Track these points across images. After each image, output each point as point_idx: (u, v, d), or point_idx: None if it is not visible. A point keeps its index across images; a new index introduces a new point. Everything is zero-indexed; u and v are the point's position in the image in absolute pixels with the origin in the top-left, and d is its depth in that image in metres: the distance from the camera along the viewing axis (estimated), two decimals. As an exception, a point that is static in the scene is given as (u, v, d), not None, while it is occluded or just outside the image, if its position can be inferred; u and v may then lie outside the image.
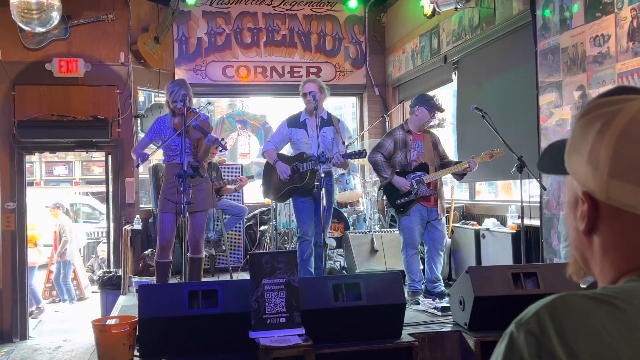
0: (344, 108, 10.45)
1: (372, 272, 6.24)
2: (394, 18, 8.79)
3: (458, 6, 5.99)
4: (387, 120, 8.48)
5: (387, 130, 8.73)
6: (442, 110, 5.55)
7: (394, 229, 7.07)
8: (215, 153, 7.68)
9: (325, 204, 5.15)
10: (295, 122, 5.67)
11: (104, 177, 8.92)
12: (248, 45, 8.73)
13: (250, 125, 9.28)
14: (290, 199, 5.78)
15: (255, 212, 8.33)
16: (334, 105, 10.33)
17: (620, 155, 0.77)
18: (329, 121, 5.63)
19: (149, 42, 7.88)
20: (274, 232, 7.43)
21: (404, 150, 5.40)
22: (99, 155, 11.23)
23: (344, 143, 5.56)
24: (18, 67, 7.48)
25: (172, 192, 4.90)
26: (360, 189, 7.86)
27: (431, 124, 5.88)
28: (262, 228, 8.18)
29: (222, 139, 5.09)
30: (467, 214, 6.91)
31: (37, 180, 14.71)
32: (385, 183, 5.40)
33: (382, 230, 7.07)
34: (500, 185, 7.34)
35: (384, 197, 5.57)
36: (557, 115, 4.83)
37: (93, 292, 10.13)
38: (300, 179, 5.45)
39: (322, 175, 4.93)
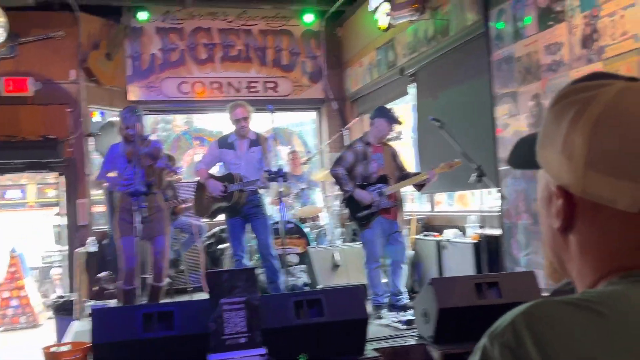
0: (304, 125, 10.36)
1: (334, 288, 6.17)
2: (350, 32, 8.80)
3: (412, 19, 6.01)
4: (345, 134, 8.44)
5: (347, 144, 8.73)
6: (400, 123, 5.54)
7: (356, 243, 7.01)
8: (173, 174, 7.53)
9: (259, 220, 5.50)
10: (224, 142, 5.72)
11: (61, 199, 8.68)
12: (203, 61, 8.61)
13: (208, 141, 9.15)
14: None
15: (215, 229, 8.17)
16: (292, 121, 10.26)
17: (596, 145, 0.70)
18: (257, 141, 5.64)
19: (101, 59, 7.71)
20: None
21: (364, 163, 5.36)
22: (53, 178, 10.92)
23: (268, 162, 5.61)
24: (-37, 87, 7.20)
25: (128, 216, 4.76)
26: (321, 203, 7.79)
27: (388, 137, 5.87)
28: (221, 246, 8.02)
29: (172, 163, 5.04)
30: (428, 225, 6.89)
31: (-13, 204, 14.10)
32: (347, 196, 5.35)
33: (344, 244, 7.01)
34: (457, 196, 7.36)
35: (346, 211, 5.51)
36: (513, 125, 4.85)
37: (49, 317, 9.78)
38: (227, 199, 5.47)
39: (281, 189, 4.93)
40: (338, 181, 5.41)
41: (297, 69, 8.98)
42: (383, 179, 5.34)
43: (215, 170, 6.06)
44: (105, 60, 7.76)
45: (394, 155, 5.53)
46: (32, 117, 7.33)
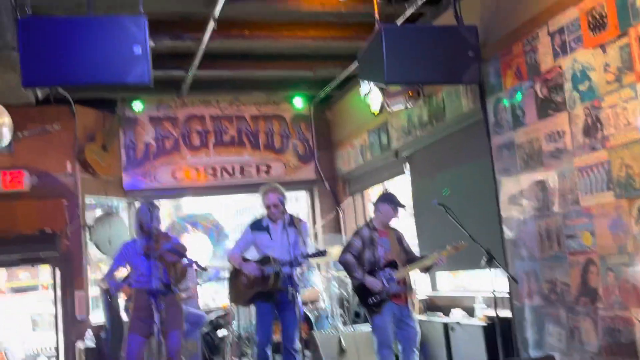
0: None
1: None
2: (339, 115, 9.05)
3: (408, 105, 6.22)
4: (341, 213, 8.55)
5: (341, 224, 8.81)
6: (404, 207, 5.65)
7: (359, 325, 6.99)
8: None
9: (290, 311, 5.36)
10: (258, 226, 5.74)
11: (33, 283, 8.59)
12: (197, 147, 8.74)
13: (202, 226, 9.16)
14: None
15: (211, 316, 8.07)
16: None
17: None
18: (291, 223, 5.67)
19: (97, 150, 7.77)
20: (236, 337, 7.19)
21: (371, 248, 5.41)
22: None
23: (304, 243, 5.67)
24: (-42, 184, 7.17)
25: (143, 313, 4.70)
26: (320, 285, 7.78)
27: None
28: (220, 334, 7.90)
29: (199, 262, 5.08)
30: (431, 305, 6.90)
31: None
32: (357, 283, 5.36)
33: (347, 327, 6.97)
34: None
35: (355, 297, 5.51)
36: (519, 208, 4.98)
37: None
38: (265, 282, 5.42)
39: (296, 278, 4.99)
40: (347, 268, 5.42)
41: (288, 151, 9.14)
42: (391, 264, 5.38)
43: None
44: (101, 151, 7.82)
45: (400, 239, 5.59)
46: (28, 211, 7.28)
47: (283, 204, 5.57)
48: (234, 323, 7.43)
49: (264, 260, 5.51)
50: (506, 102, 4.98)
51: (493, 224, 5.34)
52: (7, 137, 5.46)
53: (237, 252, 5.70)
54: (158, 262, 4.85)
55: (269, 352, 5.49)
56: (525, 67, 4.77)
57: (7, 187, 7.24)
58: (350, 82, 8.35)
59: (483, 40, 5.11)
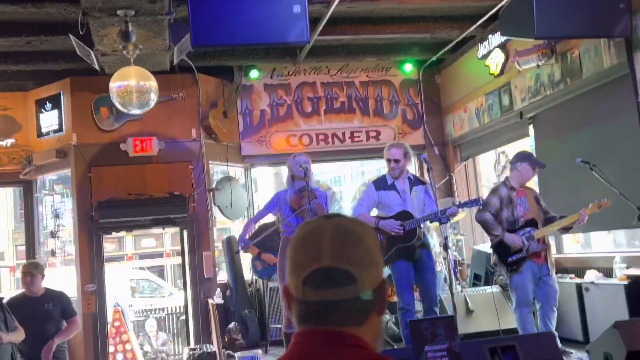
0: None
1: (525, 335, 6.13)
2: (450, 79, 8.96)
3: (540, 63, 6.10)
4: (454, 178, 8.53)
5: (453, 189, 8.79)
6: (543, 166, 5.59)
7: (479, 288, 7.01)
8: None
9: (429, 271, 5.37)
10: (383, 184, 5.57)
11: (157, 250, 9.08)
12: (309, 114, 8.88)
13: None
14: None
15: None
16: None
17: None
18: (417, 181, 5.63)
19: (218, 116, 8.03)
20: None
21: (510, 207, 5.41)
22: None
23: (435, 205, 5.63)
24: (93, 149, 7.60)
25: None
26: (438, 248, 7.81)
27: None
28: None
29: None
30: (558, 268, 6.81)
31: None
32: (496, 241, 5.37)
33: (469, 289, 7.00)
34: (571, 236, 7.28)
35: (495, 255, 5.51)
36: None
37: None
38: (408, 238, 5.35)
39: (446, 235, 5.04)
40: (486, 226, 5.44)
41: (397, 117, 9.15)
42: (531, 223, 5.36)
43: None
44: (222, 117, 8.08)
45: (537, 199, 5.56)
46: (157, 175, 7.64)
47: (405, 160, 5.51)
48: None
49: (403, 215, 5.35)
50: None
51: (638, 181, 5.22)
52: (154, 101, 5.69)
53: (365, 210, 5.51)
54: (299, 216, 5.07)
55: (414, 309, 5.47)
56: (683, 17, 4.60)
57: (138, 152, 7.63)
58: (462, 46, 8.26)
59: (633, -8, 4.95)
